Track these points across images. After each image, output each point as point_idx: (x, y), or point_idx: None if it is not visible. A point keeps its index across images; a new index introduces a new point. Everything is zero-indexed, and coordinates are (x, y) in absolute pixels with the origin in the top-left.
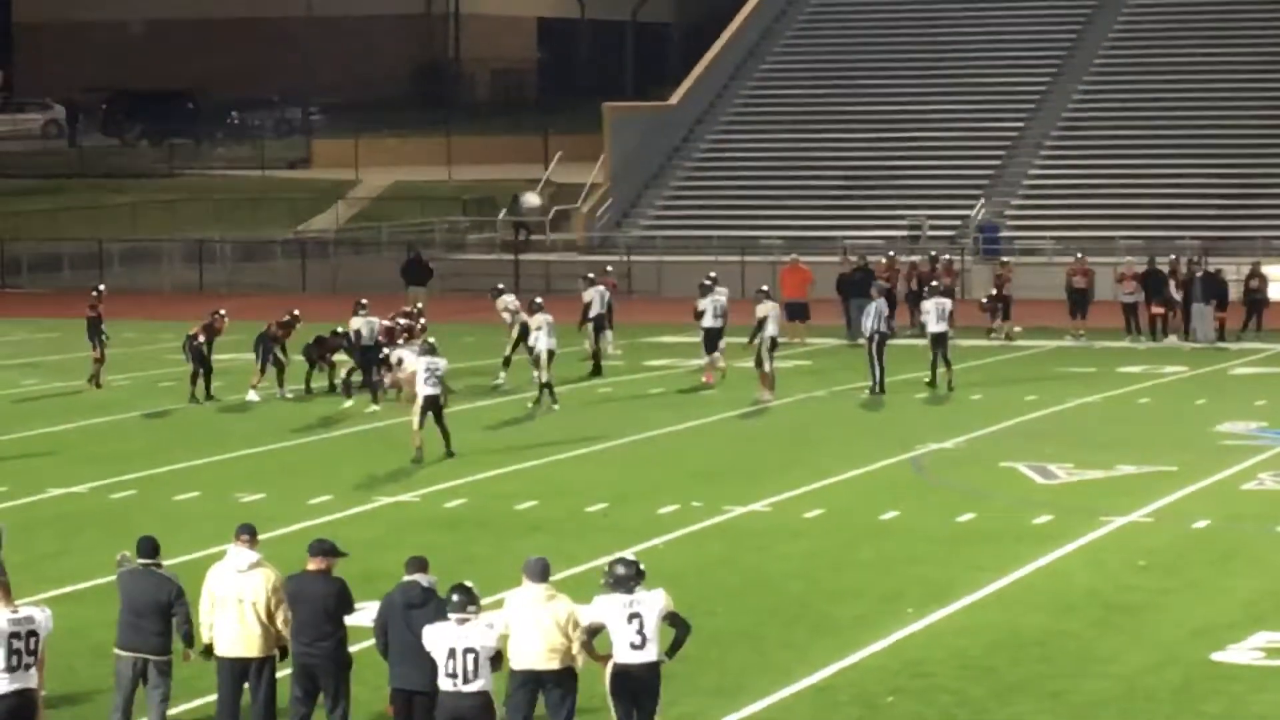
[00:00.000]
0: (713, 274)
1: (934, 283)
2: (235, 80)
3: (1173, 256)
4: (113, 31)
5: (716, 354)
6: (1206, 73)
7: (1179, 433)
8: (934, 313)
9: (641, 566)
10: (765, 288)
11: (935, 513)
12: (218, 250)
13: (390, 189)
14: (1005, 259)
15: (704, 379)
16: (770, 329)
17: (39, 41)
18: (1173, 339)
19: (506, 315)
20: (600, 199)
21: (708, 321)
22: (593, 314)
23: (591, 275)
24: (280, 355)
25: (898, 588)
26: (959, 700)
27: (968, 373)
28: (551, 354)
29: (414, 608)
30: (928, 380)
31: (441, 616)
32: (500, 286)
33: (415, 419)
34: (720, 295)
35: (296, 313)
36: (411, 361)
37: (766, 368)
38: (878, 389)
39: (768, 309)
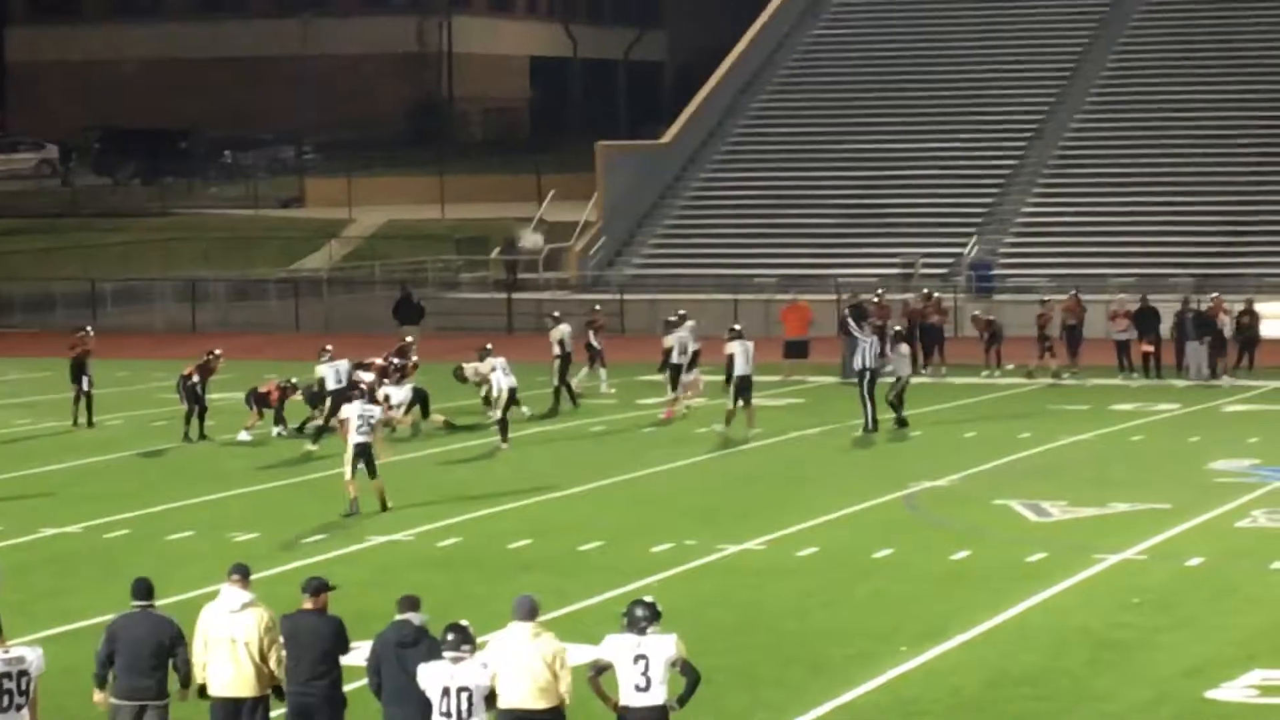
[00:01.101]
0: (681, 311)
1: (897, 328)
2: (228, 119)
3: (1215, 295)
4: (106, 71)
5: (680, 391)
6: (1200, 109)
7: (1172, 470)
8: (908, 356)
9: (658, 609)
10: (737, 326)
11: (929, 551)
12: (210, 289)
13: (384, 228)
14: (1045, 298)
15: (663, 414)
16: (739, 367)
17: (33, 80)
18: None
19: (477, 377)
20: (593, 237)
21: (675, 358)
22: (557, 352)
23: (558, 314)
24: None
25: (892, 626)
26: None
27: (960, 410)
28: (514, 391)
29: (406, 646)
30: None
31: (433, 655)
32: (462, 365)
33: (347, 469)
34: (685, 331)
35: (294, 380)
36: (397, 396)
37: (731, 405)
38: (870, 427)
39: (733, 347)
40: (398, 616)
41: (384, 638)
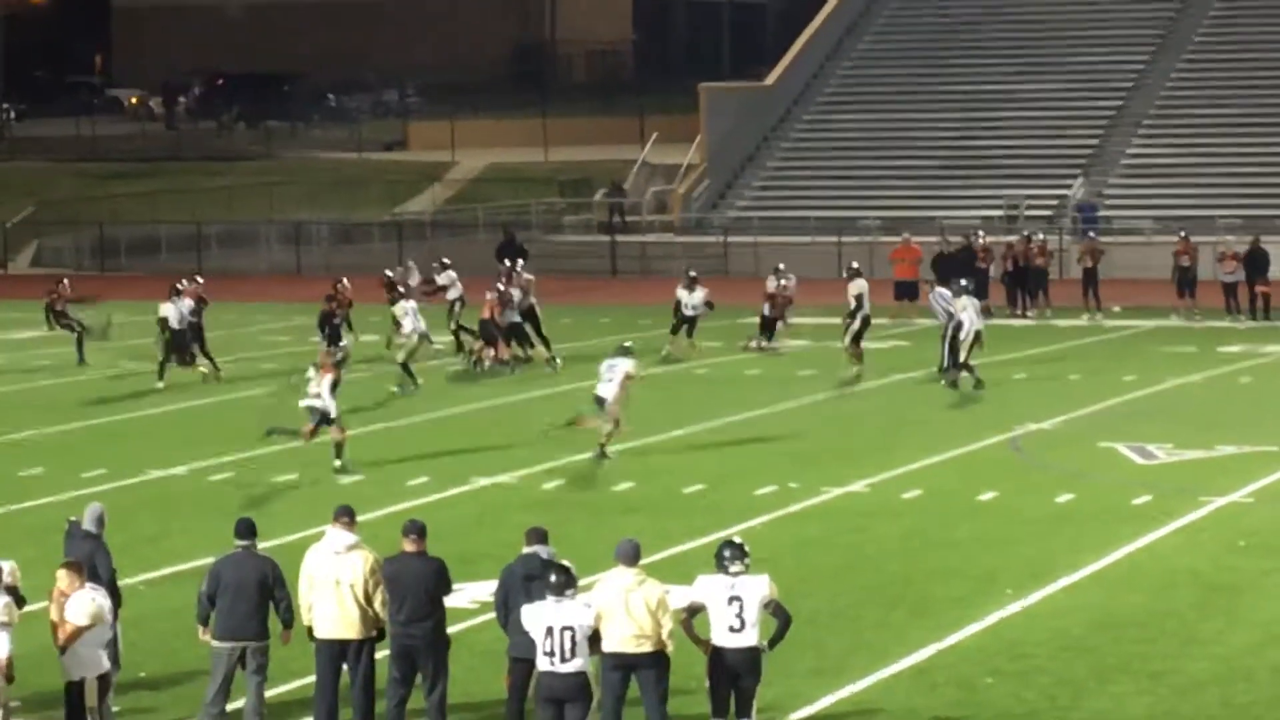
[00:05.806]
0: (780, 265)
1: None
2: (332, 62)
3: None
4: (210, 15)
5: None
6: None
7: None
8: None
9: (746, 549)
10: (855, 264)
11: (1034, 493)
12: (314, 232)
13: (486, 170)
14: (1182, 232)
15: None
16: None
17: (137, 25)
18: None
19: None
20: (697, 180)
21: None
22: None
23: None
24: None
25: (996, 568)
26: (1058, 681)
27: (1065, 353)
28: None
29: (533, 579)
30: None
31: None
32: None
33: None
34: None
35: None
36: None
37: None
38: (945, 367)
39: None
40: (525, 549)
41: (511, 570)
